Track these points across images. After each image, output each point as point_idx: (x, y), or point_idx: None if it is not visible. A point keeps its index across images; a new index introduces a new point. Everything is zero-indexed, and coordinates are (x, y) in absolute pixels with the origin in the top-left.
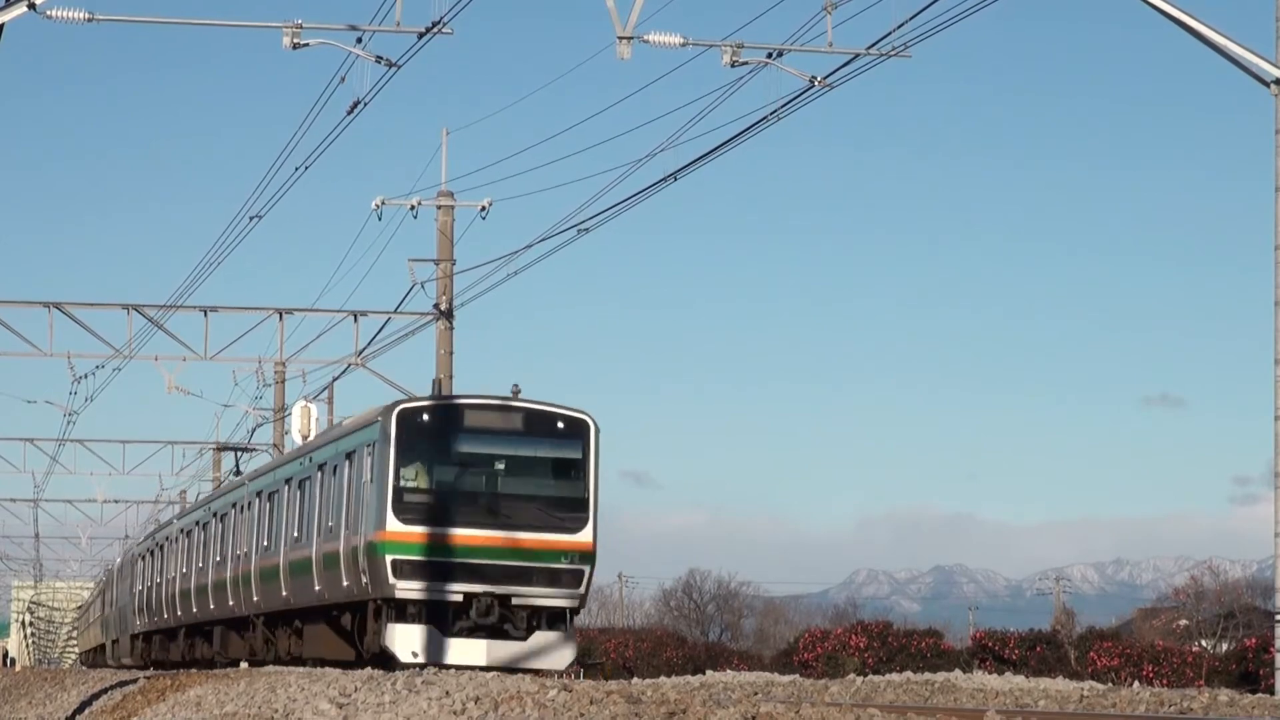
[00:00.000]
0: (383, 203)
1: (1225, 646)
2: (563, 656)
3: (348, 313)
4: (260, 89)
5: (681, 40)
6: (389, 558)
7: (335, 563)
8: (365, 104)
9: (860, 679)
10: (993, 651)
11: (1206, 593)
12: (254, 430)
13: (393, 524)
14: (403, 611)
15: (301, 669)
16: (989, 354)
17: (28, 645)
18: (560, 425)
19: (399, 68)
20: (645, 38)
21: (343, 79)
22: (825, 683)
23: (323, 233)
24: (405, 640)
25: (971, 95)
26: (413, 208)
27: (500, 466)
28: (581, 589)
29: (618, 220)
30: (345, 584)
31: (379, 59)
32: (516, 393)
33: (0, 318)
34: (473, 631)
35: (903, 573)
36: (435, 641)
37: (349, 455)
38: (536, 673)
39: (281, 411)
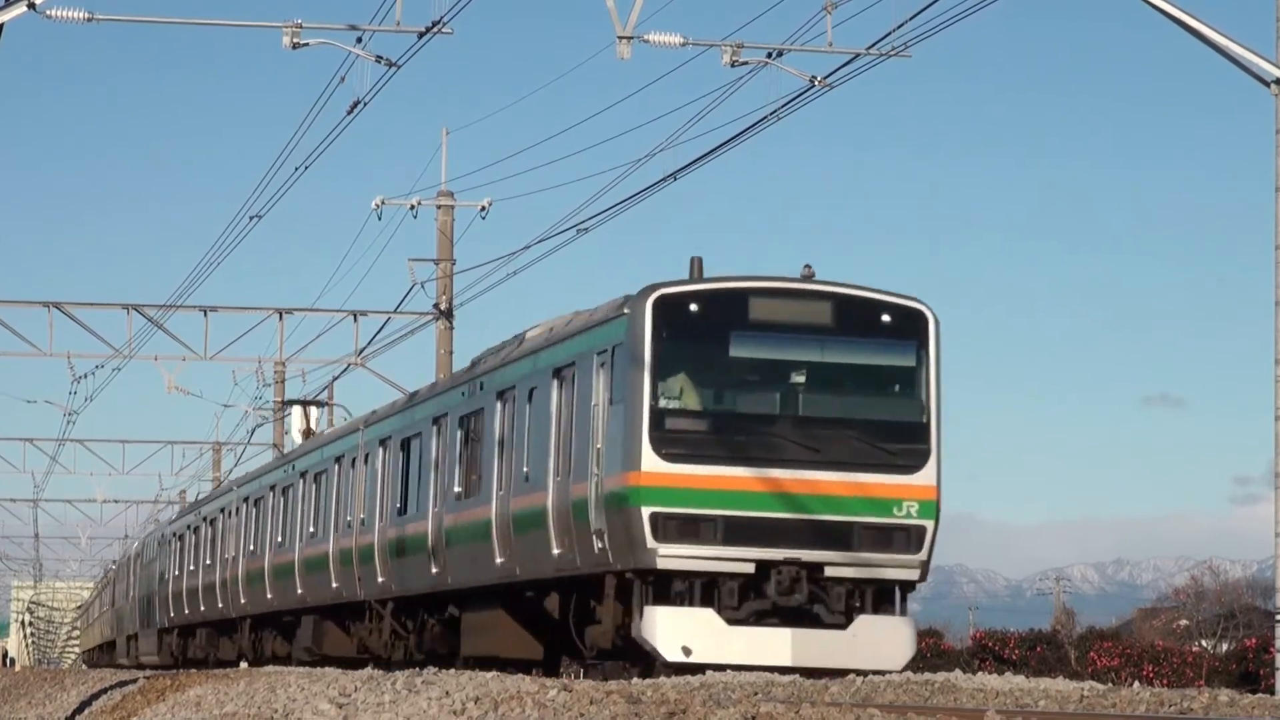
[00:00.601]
0: (383, 203)
1: (1225, 646)
2: (898, 651)
3: (348, 313)
4: (260, 89)
5: (681, 40)
6: (646, 511)
7: (538, 522)
8: (365, 104)
9: (860, 679)
10: (993, 651)
11: (1206, 593)
12: (254, 430)
13: (651, 462)
14: (664, 589)
15: (301, 669)
16: (989, 354)
17: (27, 645)
18: (887, 319)
19: (399, 68)
20: (645, 38)
21: (343, 79)
22: (825, 683)
23: (323, 233)
24: (673, 630)
25: (971, 95)
26: (413, 208)
27: (801, 379)
28: (923, 554)
29: (618, 220)
30: (558, 552)
31: (379, 59)
32: (810, 275)
33: (0, 318)
34: (767, 617)
35: None
36: (717, 632)
37: (559, 373)
38: (859, 674)
39: (281, 411)
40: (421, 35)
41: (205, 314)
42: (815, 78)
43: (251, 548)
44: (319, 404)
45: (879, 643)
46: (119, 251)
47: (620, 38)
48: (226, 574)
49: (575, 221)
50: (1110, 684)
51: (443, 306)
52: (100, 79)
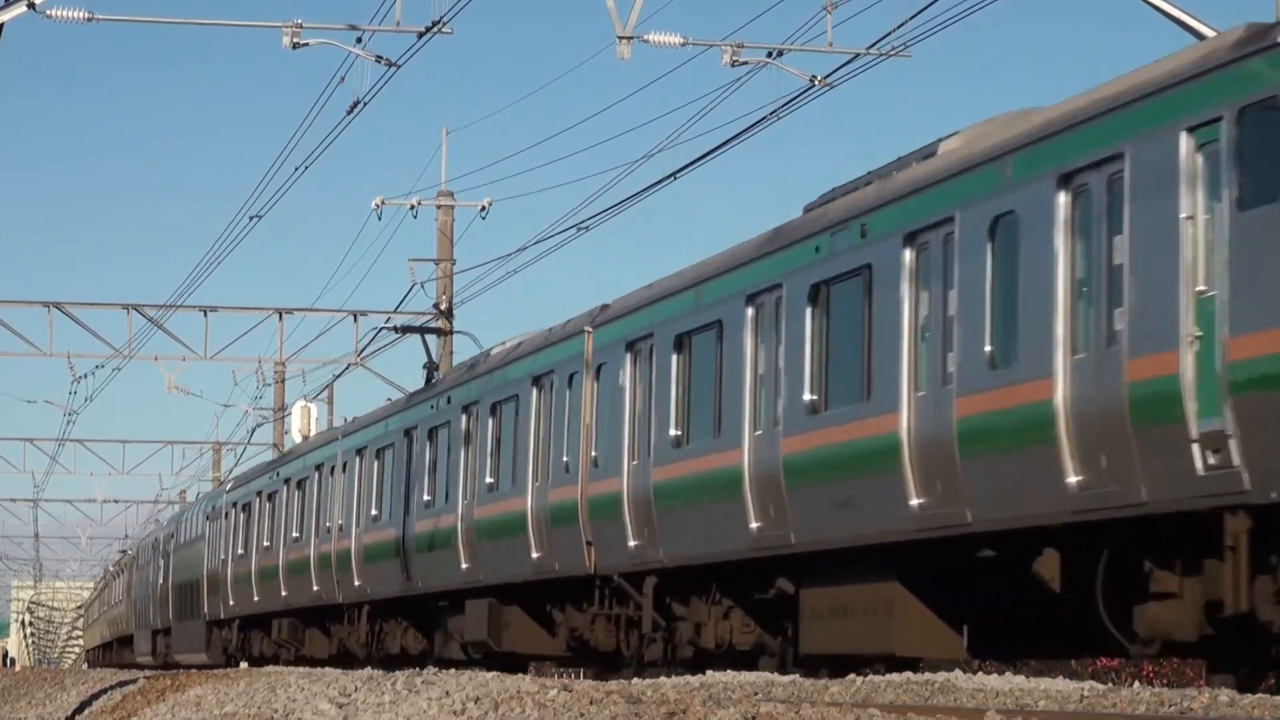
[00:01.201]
0: (383, 203)
1: None
2: None
3: (347, 313)
4: (260, 89)
5: (681, 40)
6: None
7: (1027, 434)
8: (365, 104)
9: (860, 679)
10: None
11: None
12: (254, 430)
13: None
14: None
15: (301, 668)
16: None
17: (28, 645)
18: None
19: (399, 68)
20: (645, 38)
21: (343, 79)
22: (825, 683)
23: (323, 233)
24: None
25: (971, 95)
26: (413, 208)
27: None
28: None
29: (618, 220)
30: (1076, 480)
31: (379, 59)
32: None
33: (0, 318)
34: None
35: None
36: None
37: (1069, 179)
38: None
39: (281, 411)
40: (421, 35)
41: (205, 314)
42: (815, 77)
43: (374, 512)
44: (440, 332)
45: None
46: (119, 251)
47: (620, 38)
48: (329, 548)
49: (575, 221)
50: (1110, 684)
51: (443, 306)
52: (100, 79)
